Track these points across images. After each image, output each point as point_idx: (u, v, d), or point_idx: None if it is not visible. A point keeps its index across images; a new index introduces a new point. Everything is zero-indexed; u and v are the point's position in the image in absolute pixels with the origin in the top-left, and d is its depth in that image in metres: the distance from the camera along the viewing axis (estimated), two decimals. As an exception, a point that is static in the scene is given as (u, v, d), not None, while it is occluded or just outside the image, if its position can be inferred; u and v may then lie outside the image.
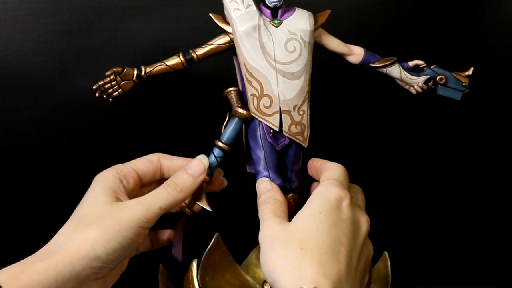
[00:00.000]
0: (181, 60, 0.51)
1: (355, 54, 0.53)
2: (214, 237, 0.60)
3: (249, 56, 0.49)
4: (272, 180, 0.52)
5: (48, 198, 0.76)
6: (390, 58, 0.53)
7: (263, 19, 0.50)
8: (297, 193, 0.54)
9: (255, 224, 0.48)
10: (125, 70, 0.51)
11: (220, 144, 0.52)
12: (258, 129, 0.52)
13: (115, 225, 0.45)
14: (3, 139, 0.73)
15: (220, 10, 0.51)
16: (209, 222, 0.61)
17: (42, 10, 0.70)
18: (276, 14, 0.50)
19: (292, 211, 0.52)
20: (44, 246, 0.45)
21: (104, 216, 0.45)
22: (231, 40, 0.50)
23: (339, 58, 0.54)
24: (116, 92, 0.51)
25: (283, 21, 0.50)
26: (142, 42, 0.72)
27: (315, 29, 0.51)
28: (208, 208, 0.52)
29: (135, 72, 0.51)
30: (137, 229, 0.46)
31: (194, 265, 0.55)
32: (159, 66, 0.51)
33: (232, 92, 0.53)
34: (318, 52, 0.52)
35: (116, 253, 0.45)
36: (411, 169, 0.81)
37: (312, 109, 0.52)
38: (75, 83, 0.72)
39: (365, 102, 0.77)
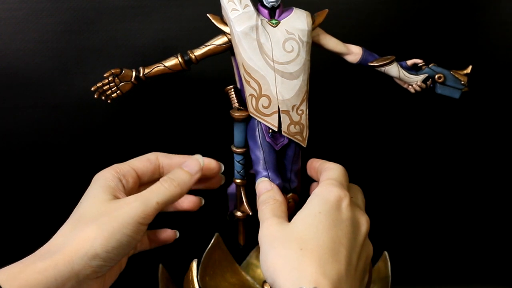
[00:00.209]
0: (179, 61, 0.51)
1: (353, 53, 0.53)
2: (214, 237, 0.60)
3: (247, 56, 0.49)
4: (272, 180, 0.52)
5: (48, 198, 0.76)
6: (388, 57, 0.53)
7: (261, 19, 0.49)
8: (296, 193, 0.54)
9: (255, 224, 0.49)
10: (123, 71, 0.51)
11: (235, 149, 0.54)
12: (257, 129, 0.52)
13: (113, 223, 0.45)
14: (3, 139, 0.74)
15: (219, 11, 0.51)
16: (209, 222, 0.62)
17: (42, 10, 0.70)
18: (273, 14, 0.50)
19: (291, 211, 0.52)
20: (43, 246, 0.45)
21: (103, 214, 0.45)
22: (229, 41, 0.50)
23: (337, 57, 0.54)
24: (115, 94, 0.51)
25: (281, 21, 0.50)
26: (142, 42, 0.72)
27: (313, 28, 0.51)
28: (249, 212, 0.55)
29: (133, 73, 0.51)
30: (136, 226, 0.46)
31: (194, 265, 0.55)
32: (157, 67, 0.51)
33: (233, 90, 0.53)
34: (316, 52, 0.52)
35: (116, 250, 0.45)
36: (410, 168, 0.81)
37: (311, 109, 0.52)
38: (75, 83, 0.72)
39: (364, 102, 0.77)
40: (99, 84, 0.51)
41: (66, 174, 0.76)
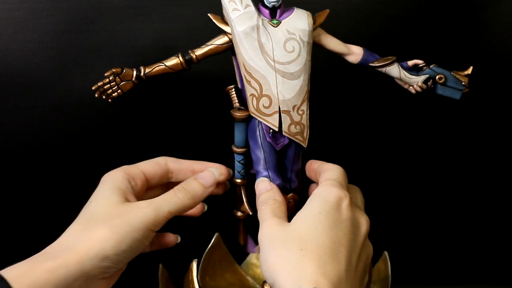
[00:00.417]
0: (180, 61, 0.51)
1: (354, 53, 0.53)
2: (214, 237, 0.60)
3: (248, 56, 0.49)
4: (272, 180, 0.52)
5: (48, 198, 0.76)
6: (389, 57, 0.53)
7: (262, 19, 0.49)
8: (297, 193, 0.54)
9: (255, 224, 0.49)
10: (124, 70, 0.51)
11: (235, 149, 0.54)
12: (258, 129, 0.52)
13: (125, 226, 0.45)
14: (3, 139, 0.73)
15: (219, 10, 0.51)
16: (209, 222, 0.61)
17: (42, 10, 0.70)
18: (274, 14, 0.50)
19: (291, 211, 0.52)
20: (53, 244, 0.45)
21: (114, 217, 0.45)
22: (230, 41, 0.50)
23: (338, 57, 0.54)
24: (116, 93, 0.51)
25: (282, 21, 0.50)
26: (142, 42, 0.72)
27: (314, 29, 0.51)
28: (249, 212, 0.55)
29: (134, 72, 0.51)
30: (146, 232, 0.46)
31: (194, 265, 0.55)
32: (158, 67, 0.51)
33: (233, 90, 0.53)
34: (317, 52, 0.52)
35: (125, 254, 0.45)
36: (411, 169, 0.81)
37: (312, 109, 0.52)
38: (75, 83, 0.72)
39: (365, 102, 0.77)
40: (99, 84, 0.51)
41: (66, 174, 0.76)
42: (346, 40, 0.54)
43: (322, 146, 0.60)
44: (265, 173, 0.52)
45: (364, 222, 0.47)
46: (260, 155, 0.52)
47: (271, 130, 0.51)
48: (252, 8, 0.49)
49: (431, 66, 0.54)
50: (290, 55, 0.50)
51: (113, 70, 0.51)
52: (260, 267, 0.49)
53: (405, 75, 0.54)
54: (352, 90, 0.76)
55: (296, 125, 0.51)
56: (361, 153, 0.79)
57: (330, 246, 0.43)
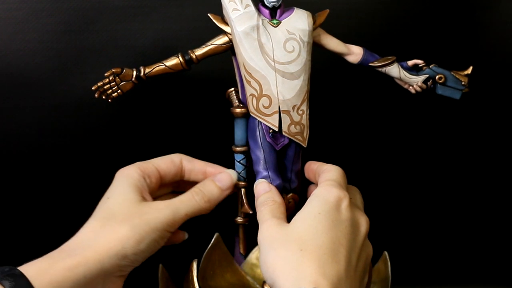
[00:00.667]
0: (180, 61, 0.51)
1: (354, 53, 0.53)
2: (214, 237, 0.60)
3: (248, 56, 0.49)
4: (272, 180, 0.52)
5: (48, 198, 0.76)
6: (389, 57, 0.53)
7: (262, 19, 0.50)
8: (297, 193, 0.54)
9: (255, 226, 0.49)
10: (124, 71, 0.51)
11: (235, 148, 0.54)
12: (258, 129, 0.52)
13: (145, 226, 0.45)
14: (3, 139, 0.73)
15: (219, 10, 0.51)
16: (209, 222, 0.61)
17: (42, 10, 0.70)
18: (274, 14, 0.50)
19: (291, 211, 0.52)
20: (70, 240, 0.45)
21: (134, 216, 0.46)
22: (230, 41, 0.51)
23: (338, 57, 0.54)
24: (115, 93, 0.51)
25: (282, 21, 0.50)
26: (142, 42, 0.72)
27: (314, 29, 0.51)
28: (250, 212, 0.54)
29: (134, 73, 0.51)
30: (163, 232, 0.46)
31: (194, 265, 0.55)
32: (158, 67, 0.51)
33: (234, 92, 0.53)
34: (317, 52, 0.52)
35: (143, 253, 0.45)
36: (411, 169, 0.81)
37: (312, 109, 0.52)
38: (75, 83, 0.72)
39: (365, 102, 0.77)
40: (99, 84, 0.51)
41: (66, 175, 0.76)
42: (346, 40, 0.54)
43: (322, 146, 0.60)
44: (265, 173, 0.52)
45: (363, 222, 0.47)
46: (260, 155, 0.52)
47: (271, 130, 0.51)
48: (252, 8, 0.49)
49: (431, 66, 0.54)
50: (290, 55, 0.50)
51: (113, 70, 0.51)
52: (260, 267, 0.49)
53: (405, 75, 0.54)
54: (352, 90, 0.76)
55: (296, 125, 0.51)
56: (361, 153, 0.79)
57: (329, 247, 0.43)
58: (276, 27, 0.50)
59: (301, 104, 0.51)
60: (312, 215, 0.45)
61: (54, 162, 0.75)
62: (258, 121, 0.51)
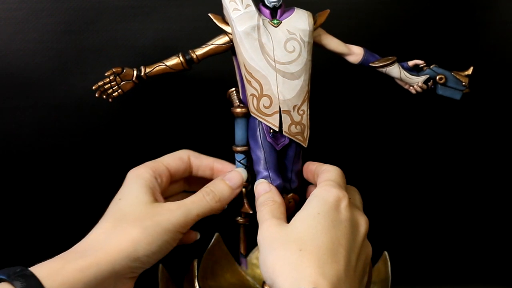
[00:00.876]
0: (181, 61, 0.51)
1: (355, 53, 0.53)
2: (214, 237, 0.60)
3: (248, 56, 0.49)
4: (272, 180, 0.52)
5: (48, 198, 0.76)
6: (390, 57, 0.53)
7: (262, 19, 0.50)
8: (297, 193, 0.54)
9: (255, 226, 0.48)
10: (124, 70, 0.51)
11: (236, 148, 0.53)
12: (258, 129, 0.52)
13: (156, 228, 0.45)
14: (3, 139, 0.73)
15: (220, 10, 0.51)
16: (209, 222, 0.61)
17: (42, 10, 0.70)
18: (275, 14, 0.50)
19: (292, 211, 0.52)
20: (82, 241, 0.45)
21: (146, 217, 0.46)
22: (231, 40, 0.51)
23: (339, 58, 0.54)
24: (116, 93, 0.51)
25: (282, 21, 0.50)
26: (142, 42, 0.72)
27: (315, 29, 0.51)
28: (250, 211, 0.54)
29: (135, 72, 0.51)
30: (175, 234, 0.46)
31: (195, 265, 0.55)
32: (159, 67, 0.51)
33: (234, 92, 0.53)
34: (318, 52, 0.52)
35: (154, 255, 0.46)
36: (411, 169, 0.81)
37: (312, 109, 0.52)
38: (75, 83, 0.72)
39: (365, 102, 0.77)
40: (100, 83, 0.51)
41: (66, 175, 0.76)
42: (347, 40, 0.54)
43: (322, 146, 0.60)
44: (266, 173, 0.52)
45: (363, 223, 0.47)
46: (260, 155, 0.52)
47: (271, 130, 0.51)
48: (252, 8, 0.49)
49: (431, 67, 0.54)
50: (291, 55, 0.50)
51: (113, 69, 0.51)
52: (259, 267, 0.49)
53: (405, 75, 0.54)
54: (352, 90, 0.76)
55: (296, 125, 0.51)
56: (361, 153, 0.79)
57: (329, 247, 0.43)
58: (276, 27, 0.50)
59: (301, 104, 0.51)
60: (312, 215, 0.45)
61: (54, 162, 0.75)
62: (259, 121, 0.51)
